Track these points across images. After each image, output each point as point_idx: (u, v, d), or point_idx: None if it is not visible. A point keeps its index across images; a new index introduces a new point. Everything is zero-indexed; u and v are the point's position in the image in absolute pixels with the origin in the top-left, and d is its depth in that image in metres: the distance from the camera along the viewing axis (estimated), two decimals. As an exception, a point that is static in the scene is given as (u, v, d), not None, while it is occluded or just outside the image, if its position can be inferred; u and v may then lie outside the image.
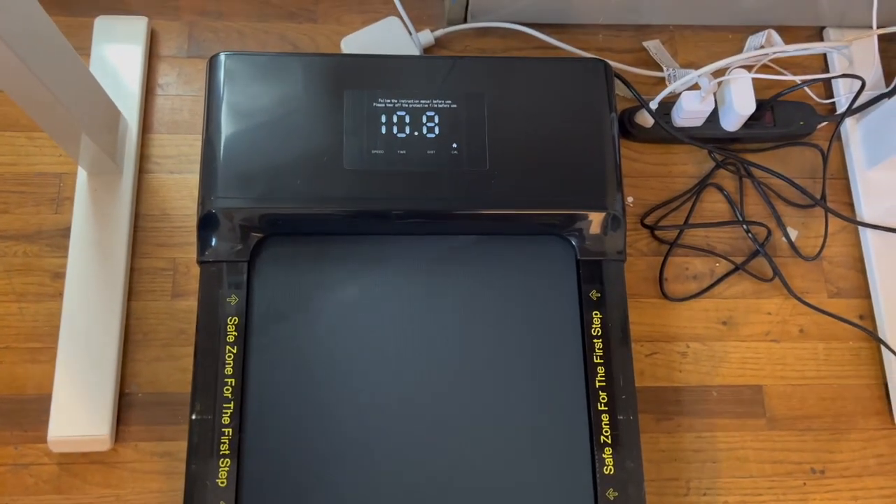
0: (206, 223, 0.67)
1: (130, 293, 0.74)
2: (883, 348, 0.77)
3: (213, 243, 0.67)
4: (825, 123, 0.83)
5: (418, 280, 0.69)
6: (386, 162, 0.68)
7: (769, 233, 0.80)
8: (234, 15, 0.85)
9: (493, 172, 0.69)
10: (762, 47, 0.81)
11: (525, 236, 0.71)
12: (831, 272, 0.80)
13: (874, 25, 0.79)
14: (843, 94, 0.84)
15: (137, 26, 0.81)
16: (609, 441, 0.66)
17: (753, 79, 0.78)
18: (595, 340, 0.68)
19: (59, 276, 0.73)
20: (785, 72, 0.85)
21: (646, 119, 0.80)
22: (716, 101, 0.80)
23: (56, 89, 0.61)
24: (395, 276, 0.69)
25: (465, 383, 0.67)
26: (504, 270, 0.70)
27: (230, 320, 0.66)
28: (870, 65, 0.84)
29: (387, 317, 0.68)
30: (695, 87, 0.78)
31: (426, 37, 0.83)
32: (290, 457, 0.64)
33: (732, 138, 0.82)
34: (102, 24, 0.81)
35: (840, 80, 0.85)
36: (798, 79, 0.80)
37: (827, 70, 0.87)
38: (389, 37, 0.83)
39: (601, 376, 0.67)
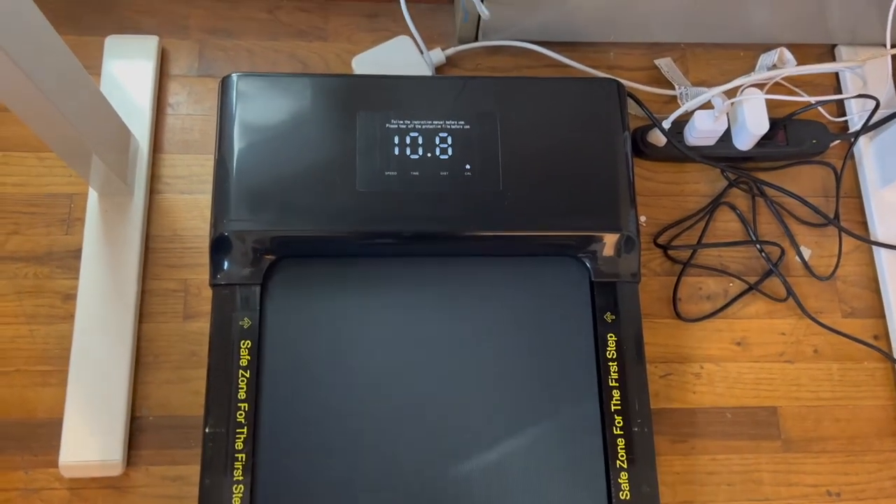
0: (219, 246, 0.66)
1: (142, 315, 0.73)
2: (898, 369, 0.77)
3: (226, 266, 0.67)
4: (838, 142, 0.83)
5: (432, 303, 0.69)
6: (399, 183, 0.68)
7: (782, 252, 0.80)
8: (244, 34, 0.84)
9: (507, 193, 0.68)
10: (774, 65, 0.80)
11: (539, 258, 0.71)
12: (845, 292, 0.80)
13: (888, 45, 0.78)
14: (856, 112, 0.84)
15: (148, 45, 0.81)
16: (625, 465, 0.65)
17: (766, 98, 0.78)
18: (610, 363, 0.68)
19: (70, 297, 0.73)
20: (798, 90, 0.85)
21: (658, 138, 0.80)
22: (728, 119, 0.80)
23: (66, 109, 0.61)
24: (408, 298, 0.69)
25: (481, 407, 0.66)
26: (518, 292, 0.70)
27: (243, 344, 0.66)
28: (883, 83, 0.84)
29: (400, 339, 0.68)
30: (707, 105, 0.78)
31: (437, 55, 0.83)
32: (305, 482, 0.63)
33: (745, 157, 0.82)
34: (113, 44, 0.81)
35: (853, 98, 0.84)
36: (813, 99, 0.80)
37: (839, 87, 0.87)
38: (400, 55, 0.83)
39: (616, 400, 0.67)
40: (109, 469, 0.68)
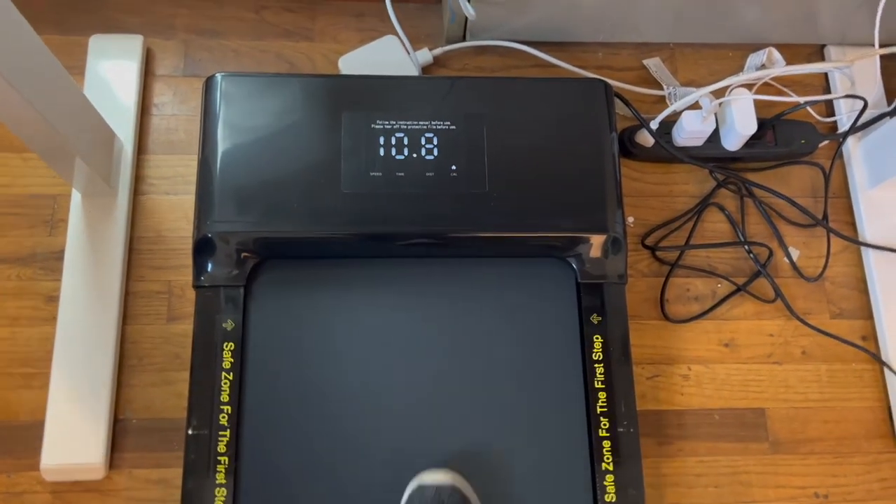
0: (202, 248, 0.66)
1: (125, 317, 0.73)
2: (886, 370, 0.76)
3: (209, 268, 0.66)
4: (827, 142, 0.83)
5: (417, 304, 0.68)
6: (384, 184, 0.67)
7: (771, 253, 0.80)
8: (230, 33, 0.84)
9: (493, 194, 0.68)
10: (763, 65, 0.80)
11: (525, 259, 0.70)
12: (833, 293, 0.80)
13: (876, 45, 0.78)
14: (845, 112, 0.84)
15: (132, 45, 0.81)
16: (611, 467, 0.65)
17: (754, 98, 0.77)
18: (596, 365, 0.67)
19: (53, 299, 0.72)
20: (786, 90, 0.84)
21: (646, 138, 0.80)
22: (717, 120, 0.80)
23: (47, 112, 0.60)
24: (393, 299, 0.68)
25: (465, 408, 0.66)
26: (504, 294, 0.69)
27: (226, 346, 0.65)
28: (871, 83, 0.84)
29: (385, 340, 0.67)
30: (695, 105, 0.77)
31: (424, 55, 0.83)
32: (288, 485, 0.63)
33: (733, 157, 0.81)
34: (97, 43, 0.80)
35: (842, 99, 0.84)
36: (801, 100, 0.80)
37: (828, 86, 0.87)
38: (387, 55, 0.82)
39: (602, 401, 0.66)
40: (92, 472, 0.68)
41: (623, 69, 0.86)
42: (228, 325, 0.66)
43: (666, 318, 0.77)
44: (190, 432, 0.63)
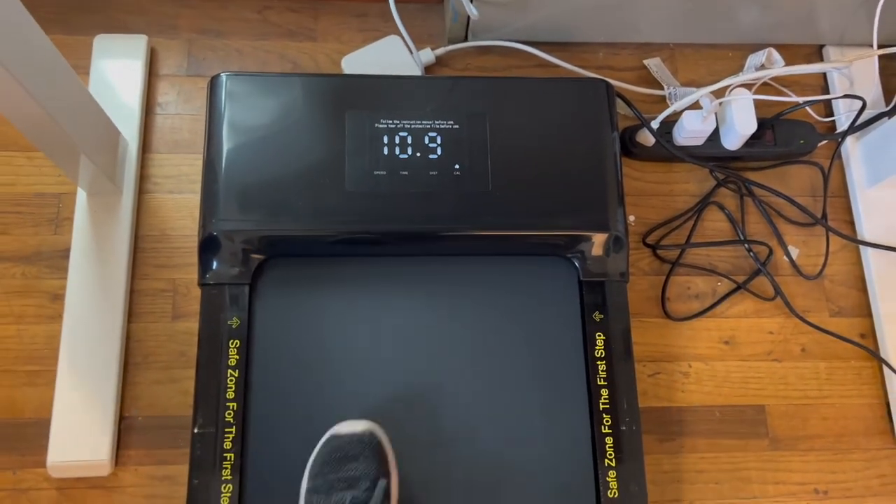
0: (208, 246, 0.66)
1: (130, 315, 0.73)
2: (885, 367, 0.77)
3: (215, 266, 0.67)
4: (826, 142, 0.84)
5: (421, 302, 0.69)
6: (388, 183, 0.68)
7: (770, 251, 0.80)
8: (234, 33, 0.84)
9: (496, 193, 0.68)
10: (763, 66, 0.81)
11: (528, 257, 0.71)
12: (832, 291, 0.81)
13: (875, 45, 0.79)
14: (844, 112, 0.84)
15: (137, 45, 0.81)
16: (613, 464, 0.65)
17: (754, 98, 0.78)
18: (599, 362, 0.68)
19: (59, 297, 0.73)
20: (786, 90, 0.85)
21: (647, 138, 0.80)
22: (717, 119, 0.80)
23: (53, 110, 0.60)
24: (397, 297, 0.69)
25: (469, 407, 0.66)
26: (507, 292, 0.70)
27: (232, 343, 0.66)
28: (870, 83, 0.84)
29: (389, 338, 0.68)
30: (696, 105, 0.78)
31: (427, 55, 0.83)
32: (293, 481, 0.63)
33: (733, 157, 0.82)
34: (102, 43, 0.81)
35: (840, 99, 0.85)
36: (800, 100, 0.81)
37: (826, 87, 0.88)
38: (390, 55, 0.83)
39: (605, 398, 0.67)
40: (98, 469, 0.68)
41: (624, 69, 0.87)
42: (234, 322, 0.66)
43: (667, 315, 0.78)
44: (196, 429, 0.63)
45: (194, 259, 0.69)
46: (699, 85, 0.83)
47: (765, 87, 0.85)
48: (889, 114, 0.81)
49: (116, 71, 0.80)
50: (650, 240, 0.80)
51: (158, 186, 0.78)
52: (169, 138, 0.80)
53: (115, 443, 0.69)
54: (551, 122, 0.71)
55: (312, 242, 0.68)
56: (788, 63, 0.79)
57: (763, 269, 0.79)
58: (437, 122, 0.70)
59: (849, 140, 0.84)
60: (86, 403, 0.69)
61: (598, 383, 0.67)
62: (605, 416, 0.67)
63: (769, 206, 0.82)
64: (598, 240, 0.69)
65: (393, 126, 0.70)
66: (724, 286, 0.79)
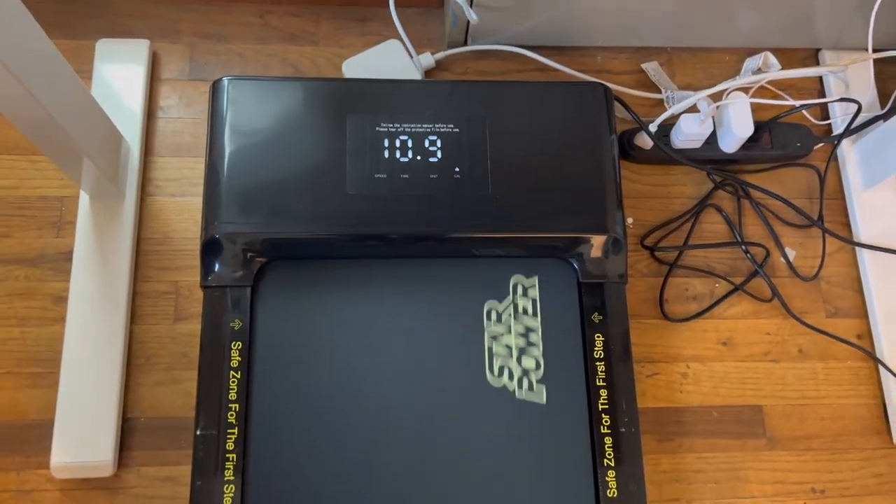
0: (210, 248, 0.67)
1: (133, 317, 0.74)
2: (881, 368, 0.78)
3: (217, 268, 0.67)
4: (822, 145, 0.84)
5: (422, 304, 0.69)
6: (389, 186, 0.68)
7: (767, 253, 0.81)
8: (235, 38, 0.85)
9: (495, 196, 0.69)
10: (759, 70, 0.81)
11: (526, 259, 0.72)
12: (829, 292, 0.81)
13: (870, 49, 0.80)
14: (840, 115, 0.85)
15: (139, 49, 0.82)
16: (612, 464, 0.66)
17: (751, 101, 0.79)
18: (598, 363, 0.68)
19: (62, 300, 0.73)
20: (782, 94, 0.86)
21: (645, 141, 0.81)
22: (714, 123, 0.81)
23: (57, 113, 0.61)
24: (398, 300, 0.69)
25: (470, 407, 0.67)
26: (507, 294, 0.70)
27: (234, 345, 0.66)
28: (865, 87, 0.85)
29: (390, 340, 0.68)
30: (693, 109, 0.79)
31: (427, 59, 0.84)
32: (296, 483, 0.64)
33: (730, 159, 0.83)
34: (104, 47, 0.81)
35: (836, 102, 0.85)
36: (797, 103, 0.81)
37: (823, 90, 0.88)
38: (390, 59, 0.84)
39: (604, 399, 0.68)
40: (101, 470, 0.68)
41: (621, 73, 0.88)
42: (236, 324, 0.66)
43: (665, 317, 0.79)
44: (198, 431, 0.64)
45: (196, 261, 0.69)
46: (696, 88, 0.84)
47: (761, 90, 0.86)
48: (884, 117, 0.81)
49: (119, 75, 0.81)
50: (648, 242, 0.81)
51: (161, 189, 0.78)
52: (171, 142, 0.80)
53: (117, 444, 0.69)
54: (550, 126, 0.72)
55: (314, 245, 0.69)
56: (785, 67, 0.80)
57: (760, 271, 0.80)
58: (437, 126, 0.71)
59: (845, 143, 0.85)
60: (89, 405, 0.69)
61: (598, 384, 0.68)
62: (604, 416, 0.67)
63: (766, 208, 0.83)
64: (597, 242, 0.70)
65: (393, 129, 0.70)
66: (721, 288, 0.80)
